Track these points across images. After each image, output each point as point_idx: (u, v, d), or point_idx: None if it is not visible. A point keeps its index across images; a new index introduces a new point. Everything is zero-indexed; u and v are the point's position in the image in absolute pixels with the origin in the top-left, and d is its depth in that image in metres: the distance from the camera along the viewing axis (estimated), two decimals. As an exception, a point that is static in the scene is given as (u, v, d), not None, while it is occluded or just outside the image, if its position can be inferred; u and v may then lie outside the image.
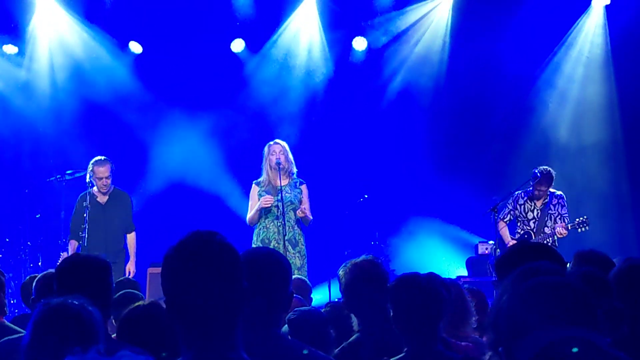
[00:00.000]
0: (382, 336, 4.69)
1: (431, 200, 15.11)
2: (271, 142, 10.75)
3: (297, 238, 10.49)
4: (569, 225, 11.48)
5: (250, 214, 10.62)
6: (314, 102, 15.40)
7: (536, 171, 11.65)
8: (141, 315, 4.30)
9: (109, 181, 11.17)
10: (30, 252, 13.51)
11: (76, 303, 3.35)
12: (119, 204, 11.35)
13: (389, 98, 15.48)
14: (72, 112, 14.70)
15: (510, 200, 11.93)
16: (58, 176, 12.36)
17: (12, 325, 5.43)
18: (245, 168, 13.08)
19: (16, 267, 13.21)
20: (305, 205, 10.57)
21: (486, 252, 13.73)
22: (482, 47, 14.77)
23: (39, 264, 13.32)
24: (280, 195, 10.34)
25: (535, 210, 11.76)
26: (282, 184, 10.43)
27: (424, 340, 4.22)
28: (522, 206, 11.83)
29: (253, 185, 10.76)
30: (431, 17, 15.38)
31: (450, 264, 14.47)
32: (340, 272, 5.04)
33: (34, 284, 5.53)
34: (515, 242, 11.58)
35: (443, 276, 4.79)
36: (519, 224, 11.90)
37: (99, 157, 11.22)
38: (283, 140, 10.86)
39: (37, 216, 13.96)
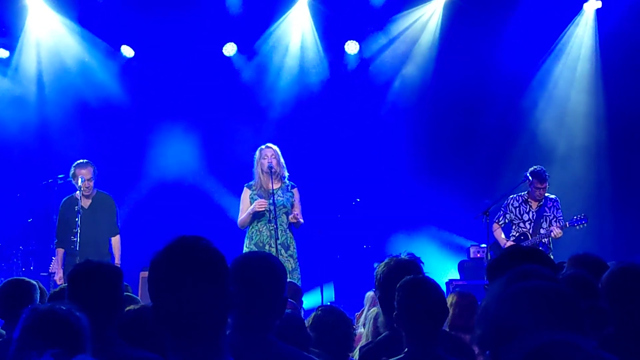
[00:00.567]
0: None
1: (423, 203, 15.12)
2: (263, 146, 10.74)
3: (289, 241, 10.50)
4: (567, 223, 11.50)
5: (241, 217, 10.61)
6: (306, 105, 15.40)
7: (527, 174, 11.67)
8: (133, 319, 4.31)
9: (92, 184, 11.05)
10: (22, 256, 13.49)
11: (64, 308, 3.36)
12: (102, 207, 11.24)
13: (381, 102, 15.50)
14: (64, 116, 14.68)
15: (505, 204, 11.95)
16: (50, 180, 12.35)
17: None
18: (237, 171, 13.08)
19: (8, 271, 13.19)
20: (297, 209, 10.58)
21: (478, 255, 13.75)
22: (473, 51, 14.80)
23: (31, 268, 13.31)
24: (272, 198, 10.34)
25: (530, 212, 11.78)
26: (274, 188, 10.43)
27: (425, 342, 4.24)
28: (517, 209, 11.84)
29: (245, 188, 10.75)
30: (423, 21, 15.40)
31: (442, 267, 14.49)
32: (378, 268, 5.01)
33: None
34: (511, 243, 11.62)
35: (435, 279, 4.82)
36: (513, 226, 11.91)
37: (81, 160, 11.17)
38: (275, 143, 10.85)
39: (29, 220, 13.93)
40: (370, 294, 8.23)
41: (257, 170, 10.64)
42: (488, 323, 2.35)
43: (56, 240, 11.24)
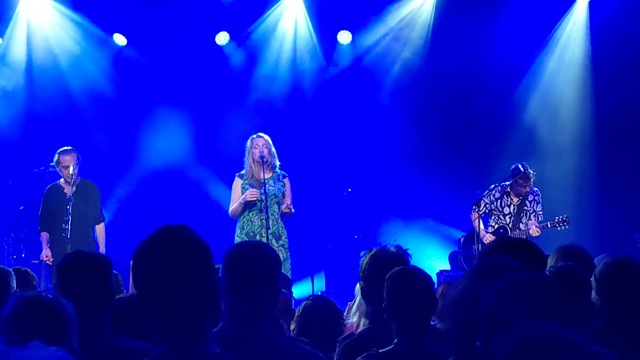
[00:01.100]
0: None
1: (415, 194, 15.14)
2: (254, 135, 10.75)
3: (280, 231, 10.52)
4: (549, 223, 11.47)
5: (233, 206, 10.62)
6: (298, 95, 15.40)
7: (519, 166, 11.65)
8: (123, 307, 4.31)
9: (76, 171, 10.98)
10: (13, 244, 13.46)
11: (50, 296, 3.36)
12: (87, 195, 11.16)
13: (373, 92, 15.49)
14: (55, 104, 14.64)
15: (486, 193, 11.92)
16: (41, 168, 12.32)
17: None
18: (228, 161, 13.08)
19: (-1, 259, 13.18)
20: (288, 199, 10.59)
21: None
22: (466, 42, 14.79)
23: (22, 255, 13.28)
24: (263, 188, 10.35)
25: (512, 205, 11.75)
26: (265, 177, 10.44)
27: (415, 333, 4.24)
28: (499, 200, 11.81)
29: (236, 178, 10.75)
30: (416, 13, 15.39)
31: (433, 258, 14.51)
32: (363, 258, 4.98)
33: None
34: (490, 235, 11.59)
35: (426, 270, 4.82)
36: (493, 217, 11.87)
37: (64, 147, 11.13)
38: (266, 133, 10.85)
39: (20, 208, 13.90)
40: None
41: (248, 159, 10.64)
42: (479, 315, 2.36)
43: (39, 227, 11.18)
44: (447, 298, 2.79)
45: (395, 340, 4.26)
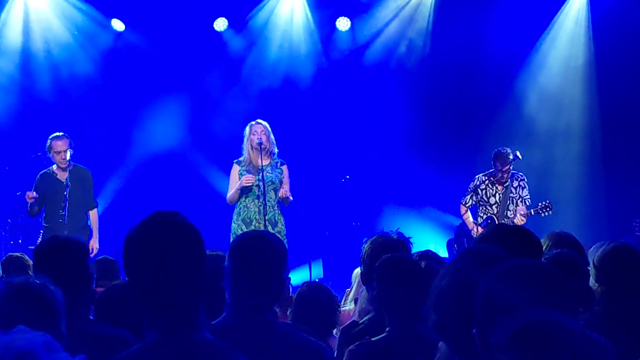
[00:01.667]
0: None
1: (413, 181, 15.14)
2: (253, 122, 10.75)
3: (277, 218, 10.52)
4: (532, 210, 11.38)
5: (230, 193, 10.63)
6: (297, 82, 15.37)
7: (497, 150, 11.59)
8: (118, 294, 4.29)
9: (68, 156, 10.94)
10: (10, 230, 13.46)
11: (38, 282, 3.34)
12: (80, 181, 11.13)
13: (372, 79, 15.46)
14: (53, 89, 14.63)
15: (472, 184, 11.86)
16: (39, 153, 12.29)
17: None
18: (226, 147, 13.06)
19: (-4, 244, 13.19)
20: (286, 186, 10.61)
21: (467, 234, 13.77)
22: (467, 29, 14.75)
23: (19, 241, 13.28)
24: (261, 175, 10.35)
25: (497, 194, 11.65)
26: (263, 164, 10.44)
27: (407, 321, 4.23)
28: (484, 190, 11.74)
29: (234, 164, 10.76)
30: (416, 1, 15.36)
31: (430, 245, 14.50)
32: (365, 244, 4.97)
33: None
34: (478, 227, 11.53)
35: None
36: (480, 207, 11.81)
37: (56, 133, 11.10)
38: (264, 119, 10.85)
39: (17, 194, 13.88)
40: (358, 271, 8.22)
41: (246, 146, 10.64)
42: (476, 301, 2.35)
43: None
44: (432, 290, 2.77)
45: (388, 329, 4.26)
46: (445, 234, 14.48)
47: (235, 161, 10.77)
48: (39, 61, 14.66)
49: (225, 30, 15.29)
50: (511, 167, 11.54)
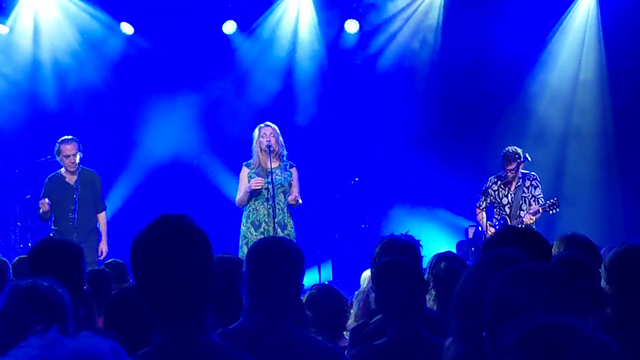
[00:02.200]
0: None
1: (422, 183, 15.12)
2: (262, 125, 10.73)
3: (286, 221, 10.51)
4: (540, 208, 11.36)
5: (239, 195, 10.62)
6: (306, 84, 15.38)
7: (507, 151, 11.58)
8: (129, 297, 4.29)
9: (77, 159, 10.99)
10: (19, 233, 13.49)
11: (45, 284, 3.34)
12: (88, 184, 11.16)
13: (380, 81, 15.45)
14: (62, 93, 14.66)
15: (486, 186, 11.84)
16: (48, 157, 12.32)
17: None
18: (236, 150, 13.07)
19: (6, 248, 13.19)
20: (295, 189, 10.59)
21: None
22: (474, 30, 14.75)
23: (29, 244, 13.29)
24: (270, 177, 10.34)
25: (509, 195, 11.63)
26: (273, 167, 10.43)
27: (407, 324, 4.22)
28: (497, 192, 11.72)
29: (243, 167, 10.75)
30: (424, 0, 15.35)
31: (440, 247, 14.48)
32: (376, 247, 4.99)
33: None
34: (492, 229, 11.51)
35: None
36: (495, 209, 11.80)
37: (65, 136, 11.13)
38: (274, 122, 10.84)
39: (27, 197, 13.91)
40: (366, 273, 8.23)
41: (255, 148, 10.63)
42: (485, 305, 2.34)
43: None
44: (453, 298, 2.76)
45: (389, 333, 4.26)
46: (455, 236, 14.46)
47: (244, 164, 10.76)
48: (48, 65, 14.68)
49: (234, 33, 15.31)
50: (521, 168, 11.51)
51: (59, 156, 11.02)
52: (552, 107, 15.04)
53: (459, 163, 15.01)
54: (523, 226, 11.13)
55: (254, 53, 15.41)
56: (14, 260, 6.99)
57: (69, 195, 10.86)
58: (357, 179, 13.99)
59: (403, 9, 15.36)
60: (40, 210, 10.90)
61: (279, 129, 10.72)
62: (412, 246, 4.94)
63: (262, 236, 10.17)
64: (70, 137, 11.08)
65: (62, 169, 11.11)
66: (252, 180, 10.40)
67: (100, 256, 10.95)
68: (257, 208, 10.49)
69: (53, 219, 11.12)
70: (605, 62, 14.87)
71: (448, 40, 15.16)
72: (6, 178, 14.13)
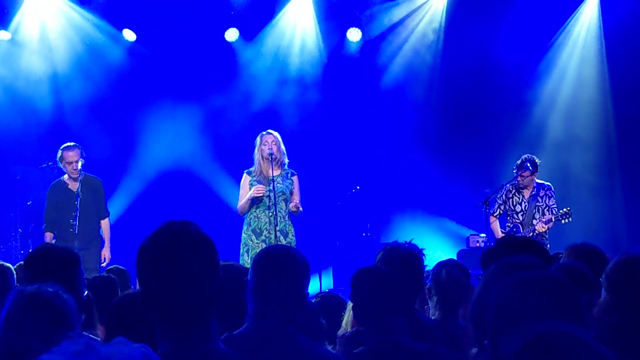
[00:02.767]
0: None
1: (423, 192, 15.13)
2: (264, 132, 10.72)
3: (287, 229, 10.50)
4: (552, 217, 11.41)
5: (241, 203, 10.61)
6: (307, 92, 15.38)
7: (527, 163, 11.63)
8: (131, 303, 4.28)
9: (79, 166, 11.02)
10: (21, 239, 13.49)
11: (50, 290, 3.34)
12: (91, 191, 11.20)
13: (382, 89, 15.48)
14: (64, 100, 14.67)
15: (500, 194, 11.88)
16: (50, 163, 12.33)
17: None
18: (237, 157, 13.08)
19: (7, 254, 13.18)
20: (296, 197, 10.58)
21: (477, 244, 13.75)
22: (476, 38, 14.76)
23: (30, 250, 13.27)
24: (272, 185, 10.34)
25: (523, 202, 11.68)
26: (274, 175, 10.43)
27: (385, 332, 4.22)
28: (511, 199, 11.78)
29: (244, 174, 10.74)
30: (426, 8, 15.38)
31: (439, 254, 14.48)
32: (378, 255, 5.02)
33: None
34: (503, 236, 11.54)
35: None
36: (508, 217, 11.85)
37: (68, 143, 11.16)
38: (275, 130, 10.85)
39: (28, 203, 13.93)
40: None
41: (257, 156, 10.63)
42: (487, 313, 2.35)
43: (44, 225, 11.25)
44: (471, 306, 2.78)
45: (368, 342, 4.27)
46: (456, 245, 14.46)
47: (245, 171, 10.76)
48: (50, 72, 14.68)
49: (237, 40, 15.33)
50: (535, 176, 11.57)
51: (61, 163, 11.05)
52: (555, 115, 15.05)
53: (460, 171, 15.02)
54: (536, 234, 11.29)
55: (256, 61, 15.41)
56: (15, 266, 6.99)
57: (71, 202, 10.88)
58: (358, 187, 13.97)
59: (405, 17, 15.37)
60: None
61: (281, 137, 10.73)
62: (414, 254, 4.95)
63: (263, 244, 10.18)
64: (73, 143, 11.11)
65: (65, 176, 11.13)
66: (254, 187, 10.40)
67: (103, 262, 10.97)
68: (259, 216, 10.48)
69: (56, 225, 11.14)
70: (607, 69, 14.87)
71: (450, 48, 15.17)
72: (7, 184, 14.14)
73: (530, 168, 11.46)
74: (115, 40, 15.03)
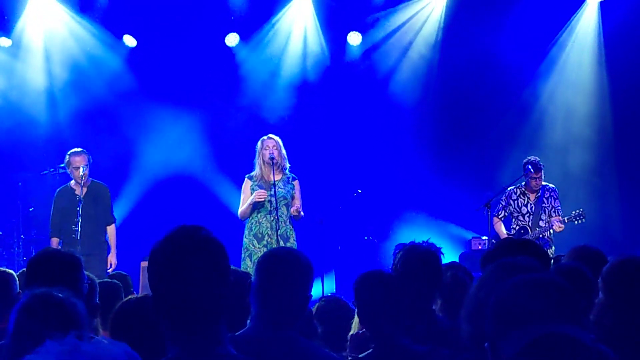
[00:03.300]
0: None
1: (425, 195, 15.12)
2: (265, 137, 10.73)
3: (288, 233, 10.50)
4: (565, 218, 11.48)
5: (242, 208, 10.61)
6: (308, 96, 15.39)
7: (529, 158, 11.68)
8: (135, 308, 4.30)
9: (86, 172, 11.06)
10: (23, 245, 13.49)
11: (60, 295, 3.35)
12: (98, 196, 11.24)
13: (383, 93, 15.46)
14: (66, 106, 14.68)
15: (504, 197, 11.91)
16: (51, 169, 12.33)
17: None
18: (238, 162, 13.09)
19: (9, 260, 13.18)
20: (298, 201, 10.58)
21: (479, 247, 13.76)
22: (476, 42, 14.76)
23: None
24: (273, 190, 10.35)
25: (529, 204, 11.75)
26: (275, 179, 10.43)
27: (388, 336, 4.24)
28: (516, 202, 11.81)
29: (245, 179, 10.75)
30: (426, 12, 15.38)
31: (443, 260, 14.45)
32: (397, 253, 5.03)
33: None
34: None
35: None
36: (513, 219, 11.88)
37: (75, 149, 11.19)
38: (276, 134, 10.85)
39: (30, 210, 13.94)
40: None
41: (258, 161, 10.63)
42: (487, 315, 2.36)
43: (50, 230, 11.27)
44: (467, 301, 2.79)
45: (372, 346, 4.28)
46: (458, 248, 14.46)
47: (247, 176, 10.76)
48: (52, 77, 14.70)
49: (237, 45, 15.34)
50: (542, 178, 11.64)
51: (68, 168, 11.07)
52: (555, 118, 15.05)
53: (462, 174, 15.01)
54: (548, 235, 11.48)
55: (256, 65, 15.42)
56: (18, 273, 7.01)
57: (76, 207, 10.90)
58: (360, 191, 13.98)
59: (406, 20, 15.37)
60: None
61: (282, 141, 10.74)
62: (434, 254, 4.98)
63: (265, 249, 10.18)
64: (80, 149, 11.15)
65: (72, 182, 11.14)
66: (255, 192, 10.40)
67: (109, 268, 10.97)
68: (260, 220, 10.48)
69: (62, 230, 11.16)
70: (606, 71, 14.87)
71: (450, 50, 15.16)
72: (9, 190, 14.16)
73: (542, 168, 11.54)
74: (116, 46, 15.04)
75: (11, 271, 5.86)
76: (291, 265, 3.76)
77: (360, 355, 4.25)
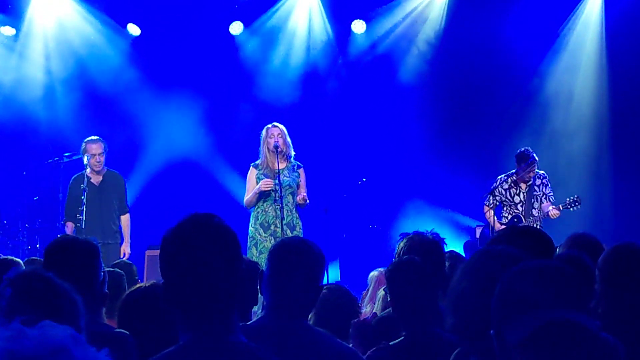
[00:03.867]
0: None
1: (430, 183, 15.11)
2: (269, 125, 10.72)
3: (294, 222, 10.51)
4: (560, 205, 11.49)
5: (248, 196, 10.62)
6: (313, 84, 15.39)
7: (522, 150, 11.70)
8: (142, 297, 4.30)
9: (102, 159, 11.09)
10: (28, 234, 13.51)
11: (47, 276, 3.24)
12: (112, 185, 11.30)
13: (388, 81, 15.45)
14: (70, 94, 14.67)
15: (493, 186, 11.93)
16: (56, 158, 12.36)
17: None
18: (243, 150, 13.09)
19: (14, 249, 13.20)
20: (303, 189, 10.59)
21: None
22: (480, 32, 14.74)
23: (37, 246, 13.33)
24: (278, 178, 10.34)
25: (521, 193, 11.76)
26: (280, 167, 10.43)
27: (422, 323, 4.25)
28: (508, 191, 11.82)
29: (251, 167, 10.75)
30: (430, 1, 15.36)
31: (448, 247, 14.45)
32: (400, 243, 5.06)
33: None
34: (504, 227, 11.56)
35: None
36: (505, 208, 11.89)
37: (92, 136, 11.22)
38: (281, 123, 10.85)
39: (34, 199, 13.95)
40: (374, 273, 8.25)
41: (263, 149, 10.63)
42: (493, 302, 2.36)
43: (64, 217, 11.30)
44: (449, 292, 2.79)
45: (404, 334, 4.29)
46: (463, 236, 14.46)
47: (252, 164, 10.76)
48: (56, 67, 14.70)
49: (241, 33, 15.33)
50: (535, 167, 11.65)
51: (84, 155, 11.09)
52: (558, 108, 15.04)
53: (466, 163, 15.00)
54: (539, 223, 11.46)
55: (261, 54, 15.41)
56: (25, 261, 7.02)
57: (91, 195, 10.93)
58: (364, 179, 13.99)
59: (411, 11, 15.35)
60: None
61: (287, 130, 10.73)
62: (437, 243, 4.99)
63: (271, 237, 10.20)
64: (96, 137, 11.18)
65: (88, 169, 11.14)
66: (262, 181, 10.40)
67: (123, 257, 10.99)
68: (266, 209, 10.49)
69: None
70: (607, 63, 14.86)
71: (455, 40, 15.13)
72: (14, 180, 14.17)
73: (537, 159, 11.56)
74: (120, 34, 15.03)
75: (18, 259, 5.87)
76: (304, 255, 3.77)
77: (391, 343, 4.26)
